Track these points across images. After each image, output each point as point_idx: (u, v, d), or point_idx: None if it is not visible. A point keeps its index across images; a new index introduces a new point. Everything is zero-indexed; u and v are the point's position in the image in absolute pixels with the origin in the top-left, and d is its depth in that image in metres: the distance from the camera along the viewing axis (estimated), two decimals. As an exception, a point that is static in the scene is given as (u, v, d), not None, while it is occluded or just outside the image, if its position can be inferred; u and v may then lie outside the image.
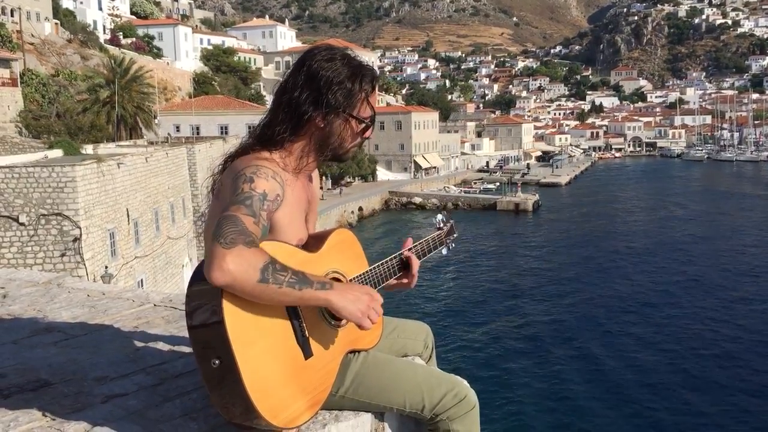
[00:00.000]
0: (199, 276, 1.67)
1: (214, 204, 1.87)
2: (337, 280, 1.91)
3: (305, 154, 1.95)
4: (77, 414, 1.95)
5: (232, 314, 1.60)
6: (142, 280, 26.23)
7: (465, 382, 2.07)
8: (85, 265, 22.21)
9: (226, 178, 1.83)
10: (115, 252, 24.48)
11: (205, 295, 1.64)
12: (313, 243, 1.92)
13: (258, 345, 1.64)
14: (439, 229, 2.35)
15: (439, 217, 2.38)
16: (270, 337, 1.68)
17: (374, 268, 2.07)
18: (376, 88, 1.99)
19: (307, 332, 1.76)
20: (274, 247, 1.71)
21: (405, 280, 2.17)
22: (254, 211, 1.69)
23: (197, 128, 53.61)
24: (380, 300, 1.80)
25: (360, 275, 2.01)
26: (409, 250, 2.20)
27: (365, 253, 2.08)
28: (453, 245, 2.40)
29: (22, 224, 22.07)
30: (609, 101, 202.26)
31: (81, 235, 22.18)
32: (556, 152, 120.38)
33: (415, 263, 2.17)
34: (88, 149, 32.40)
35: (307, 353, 1.75)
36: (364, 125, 1.96)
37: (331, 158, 2.00)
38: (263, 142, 1.92)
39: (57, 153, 28.92)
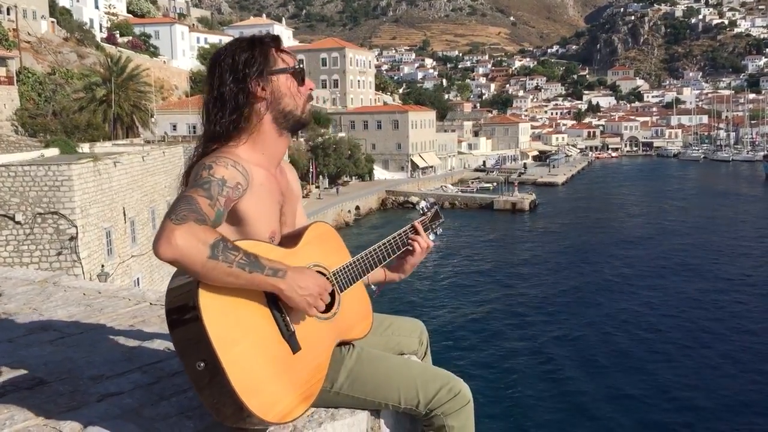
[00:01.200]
0: (176, 277, 1.67)
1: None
2: (320, 273, 1.90)
3: (270, 136, 1.96)
4: (73, 412, 1.95)
5: (210, 313, 1.59)
6: (138, 278, 26.19)
7: (459, 378, 2.08)
8: (81, 263, 22.18)
9: (192, 174, 1.83)
10: (112, 251, 24.45)
11: (182, 296, 1.64)
12: (291, 239, 1.92)
13: (242, 344, 1.63)
14: (423, 214, 2.34)
15: (423, 203, 2.37)
16: (253, 335, 1.67)
17: (378, 246, 2.11)
18: (281, 43, 2.01)
19: (292, 326, 1.75)
20: (249, 245, 1.70)
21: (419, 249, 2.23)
22: (211, 194, 1.69)
23: (194, 127, 53.50)
24: (329, 289, 1.81)
25: (366, 252, 2.04)
26: (411, 228, 2.24)
27: (363, 252, 2.08)
28: (440, 231, 2.38)
29: (18, 223, 22.03)
30: (606, 101, 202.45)
31: (77, 233, 22.15)
32: (553, 152, 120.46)
33: (420, 237, 2.23)
34: (85, 148, 32.37)
35: (295, 347, 1.75)
36: (291, 71, 1.97)
37: (293, 125, 2.00)
38: (218, 140, 1.92)
39: (53, 152, 28.86)
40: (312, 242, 1.92)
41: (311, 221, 2.04)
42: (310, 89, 2.03)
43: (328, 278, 1.91)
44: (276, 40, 1.99)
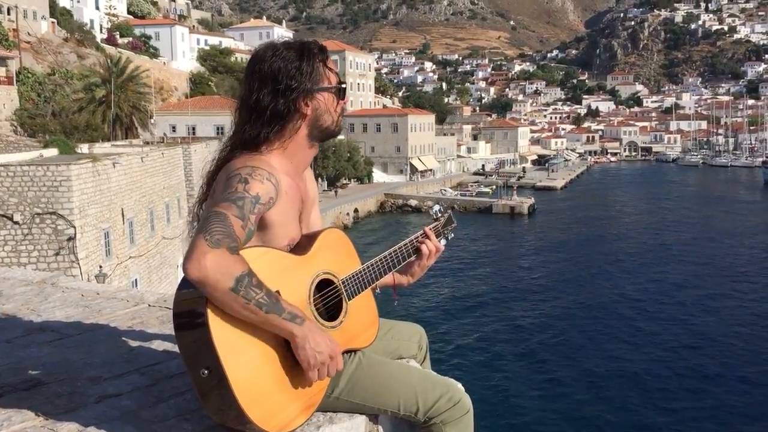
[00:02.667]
0: (186, 281, 1.65)
1: (208, 203, 1.86)
2: (329, 281, 1.89)
3: (301, 147, 1.96)
4: (70, 414, 1.94)
5: (217, 322, 1.59)
6: (136, 280, 26.15)
7: (460, 386, 2.07)
8: (79, 264, 22.14)
9: (221, 177, 1.82)
10: (110, 252, 24.41)
11: (191, 301, 1.63)
12: (304, 243, 1.91)
13: (246, 352, 1.63)
14: (436, 219, 2.31)
15: (436, 207, 2.34)
16: (259, 343, 1.67)
17: (386, 255, 2.09)
18: (328, 56, 1.99)
19: None
20: (261, 253, 1.70)
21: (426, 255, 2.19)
22: (244, 213, 1.68)
23: (193, 128, 53.53)
24: (340, 363, 1.76)
25: (371, 263, 2.02)
26: (422, 234, 2.21)
27: (362, 255, 2.07)
28: (451, 236, 2.35)
29: (16, 223, 22.00)
30: (605, 105, 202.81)
31: (75, 234, 22.12)
32: (552, 156, 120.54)
33: (431, 241, 2.19)
34: (84, 148, 32.32)
35: None
36: (335, 89, 1.96)
37: (325, 137, 2.00)
38: (248, 146, 1.91)
39: (52, 152, 28.83)
40: (324, 249, 1.91)
41: (325, 227, 2.03)
42: (345, 102, 2.03)
43: (336, 285, 1.90)
44: (324, 52, 1.96)
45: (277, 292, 1.66)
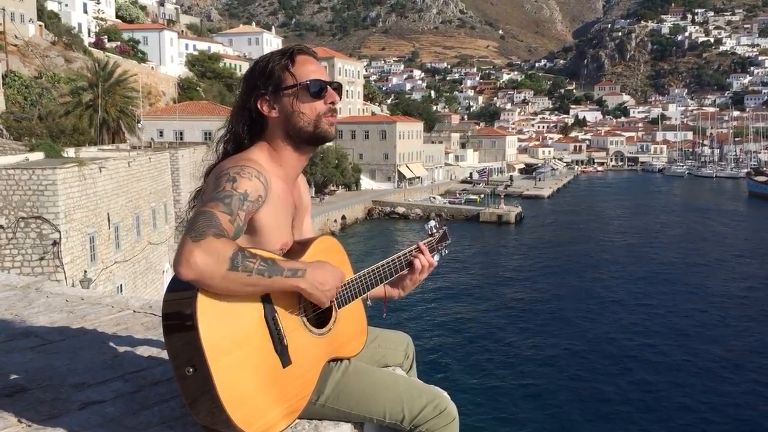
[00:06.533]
0: (175, 282, 1.65)
1: (198, 205, 1.86)
2: None
3: (285, 150, 1.95)
4: (53, 420, 1.93)
5: (206, 322, 1.59)
6: (121, 285, 26.00)
7: (446, 394, 2.07)
8: (63, 269, 21.98)
9: (211, 178, 1.82)
10: (95, 256, 24.25)
11: (180, 302, 1.63)
12: (297, 249, 1.91)
13: (233, 353, 1.63)
14: (431, 235, 2.30)
15: (432, 222, 2.32)
16: (246, 346, 1.66)
17: (380, 266, 2.09)
18: (295, 56, 1.96)
19: (286, 340, 1.74)
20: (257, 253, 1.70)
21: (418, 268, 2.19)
22: (231, 209, 1.68)
23: (181, 133, 53.36)
24: (344, 279, 1.88)
25: (367, 271, 2.03)
26: (416, 249, 2.20)
27: (350, 261, 2.07)
28: (446, 252, 2.34)
29: (0, 227, 21.82)
30: (592, 115, 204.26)
31: (60, 238, 21.96)
32: (540, 165, 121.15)
33: (424, 256, 2.20)
34: (70, 152, 32.14)
35: (285, 362, 1.74)
36: (301, 88, 1.91)
37: (308, 141, 1.96)
38: (237, 149, 1.95)
39: (38, 155, 28.64)
40: (317, 255, 1.91)
41: (319, 234, 2.02)
42: (331, 102, 1.97)
43: None
44: (291, 54, 1.95)
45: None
